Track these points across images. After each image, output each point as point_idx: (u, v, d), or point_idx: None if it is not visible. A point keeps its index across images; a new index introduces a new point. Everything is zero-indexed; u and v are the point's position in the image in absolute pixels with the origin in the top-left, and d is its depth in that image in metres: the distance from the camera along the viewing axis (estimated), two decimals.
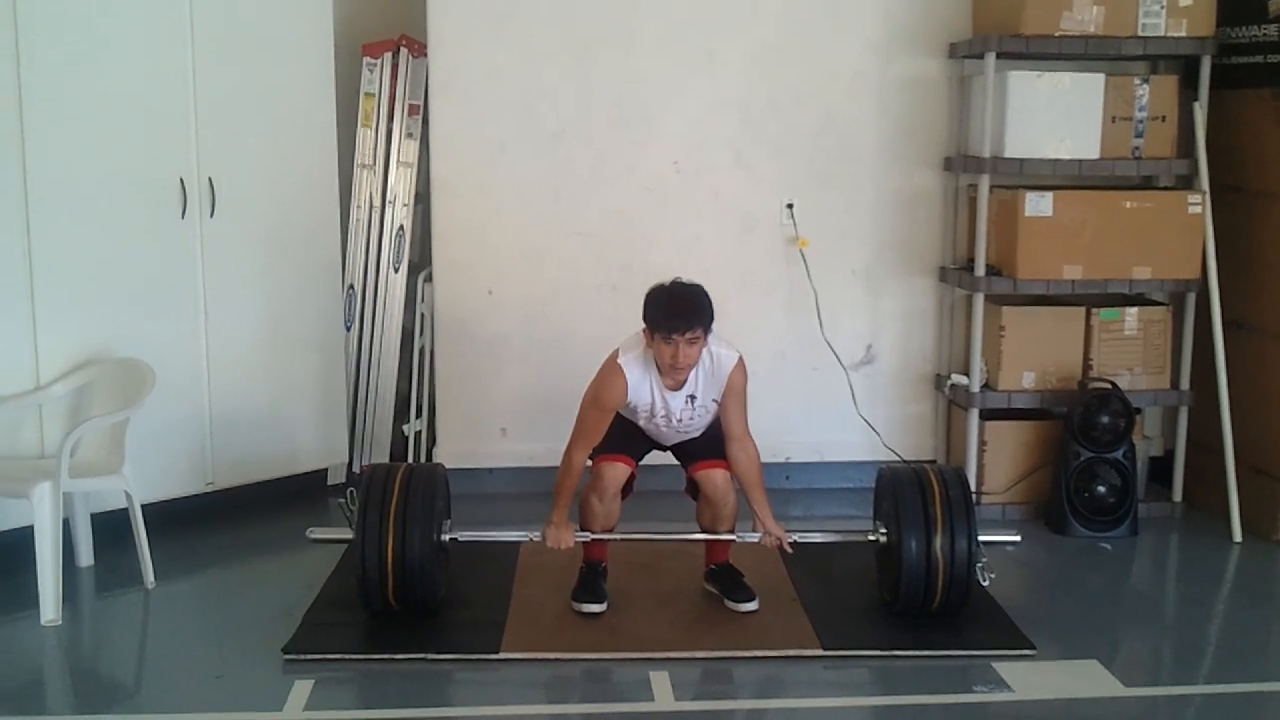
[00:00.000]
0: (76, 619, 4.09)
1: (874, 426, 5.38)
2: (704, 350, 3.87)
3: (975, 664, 3.77)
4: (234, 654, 3.88)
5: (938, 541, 3.86)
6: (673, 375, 3.87)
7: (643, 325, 3.87)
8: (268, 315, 4.97)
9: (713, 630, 3.95)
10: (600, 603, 4.04)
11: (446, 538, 4.05)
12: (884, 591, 4.10)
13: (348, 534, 3.96)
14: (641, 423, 4.03)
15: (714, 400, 3.96)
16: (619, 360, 3.92)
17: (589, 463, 4.03)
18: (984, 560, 3.91)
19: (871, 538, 4.10)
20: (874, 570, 4.18)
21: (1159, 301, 5.20)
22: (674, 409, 3.95)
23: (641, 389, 3.92)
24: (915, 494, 3.94)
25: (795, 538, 4.05)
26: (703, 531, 4.16)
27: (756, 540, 4.04)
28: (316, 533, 4.19)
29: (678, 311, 3.80)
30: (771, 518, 4.03)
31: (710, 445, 4.07)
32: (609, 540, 4.13)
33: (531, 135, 5.20)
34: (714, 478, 4.05)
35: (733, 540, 4.13)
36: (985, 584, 3.91)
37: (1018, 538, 4.28)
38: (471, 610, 4.08)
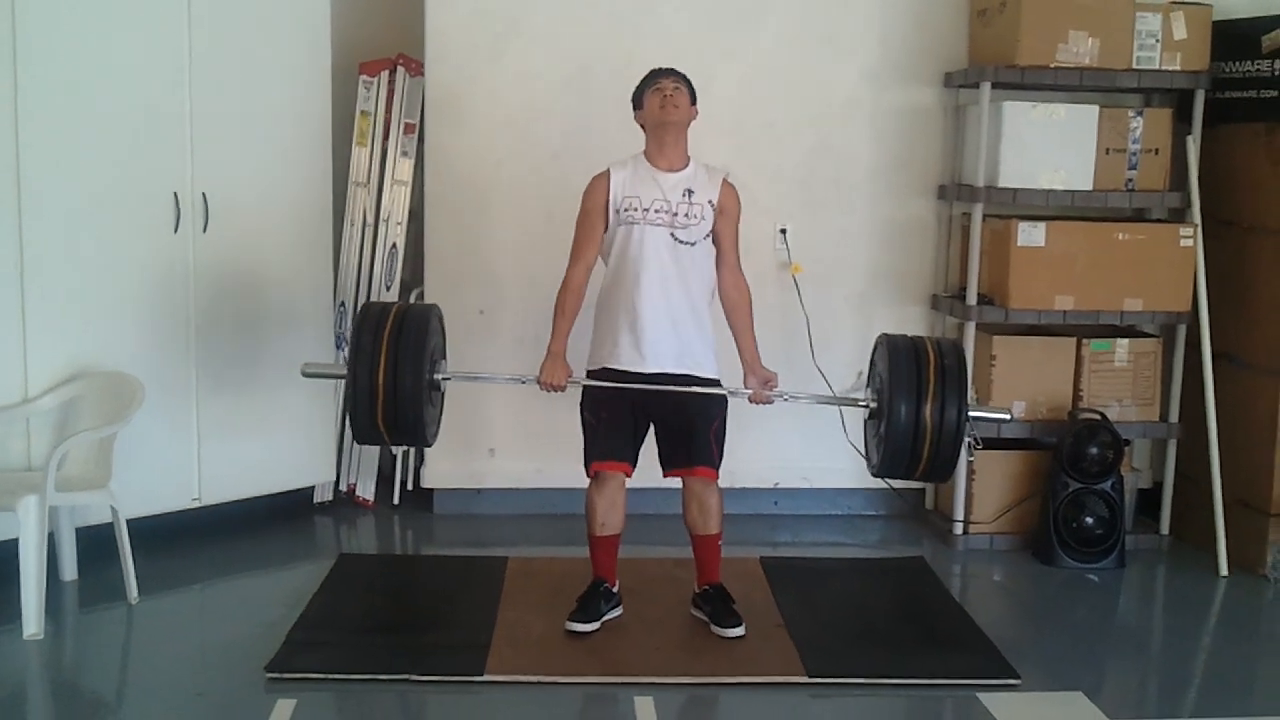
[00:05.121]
0: (59, 634, 4.07)
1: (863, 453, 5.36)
2: (694, 161, 4.04)
3: (959, 693, 3.76)
4: (217, 671, 3.87)
5: (928, 409, 3.84)
6: (664, 119, 3.97)
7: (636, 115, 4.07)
8: (258, 331, 4.95)
9: (699, 656, 3.93)
10: (590, 623, 4.03)
11: (440, 377, 4.07)
12: (869, 457, 4.12)
13: (341, 370, 3.99)
14: (637, 233, 4.00)
15: (710, 202, 4.02)
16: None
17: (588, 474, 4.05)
18: (974, 433, 3.93)
19: (862, 403, 4.11)
20: (860, 595, 4.17)
21: (1150, 333, 5.21)
22: (672, 199, 3.99)
23: (631, 179, 4.02)
24: (910, 361, 3.92)
25: (785, 398, 4.13)
26: (691, 533, 4.13)
27: (748, 395, 4.07)
28: (311, 367, 4.16)
29: (662, 70, 4.09)
30: (758, 360, 4.11)
31: (691, 445, 4.04)
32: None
33: (528, 155, 5.21)
34: (696, 484, 4.06)
35: (719, 542, 4.12)
36: (971, 458, 3.90)
37: (1009, 416, 4.30)
38: (456, 631, 4.06)
